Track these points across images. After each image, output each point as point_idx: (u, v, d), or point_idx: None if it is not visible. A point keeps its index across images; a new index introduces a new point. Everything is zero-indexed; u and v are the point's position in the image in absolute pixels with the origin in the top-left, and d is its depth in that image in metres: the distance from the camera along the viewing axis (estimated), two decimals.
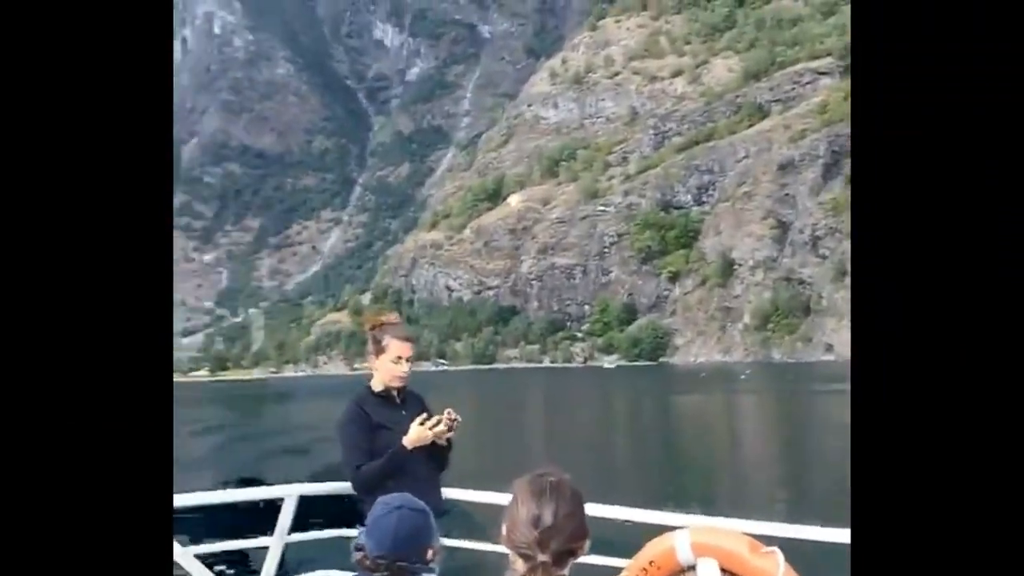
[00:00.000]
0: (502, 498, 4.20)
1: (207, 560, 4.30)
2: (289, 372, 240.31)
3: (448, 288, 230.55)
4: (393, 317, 4.26)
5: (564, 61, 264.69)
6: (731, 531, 2.90)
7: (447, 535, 4.09)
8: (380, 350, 4.09)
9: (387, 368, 4.08)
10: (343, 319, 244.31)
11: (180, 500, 4.30)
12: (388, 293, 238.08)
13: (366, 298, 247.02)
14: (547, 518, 1.86)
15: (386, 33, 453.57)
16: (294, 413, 72.01)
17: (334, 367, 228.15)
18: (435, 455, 4.10)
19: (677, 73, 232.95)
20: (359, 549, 2.07)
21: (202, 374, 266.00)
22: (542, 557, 1.85)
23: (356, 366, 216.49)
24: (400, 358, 4.07)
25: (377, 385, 4.12)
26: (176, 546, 3.83)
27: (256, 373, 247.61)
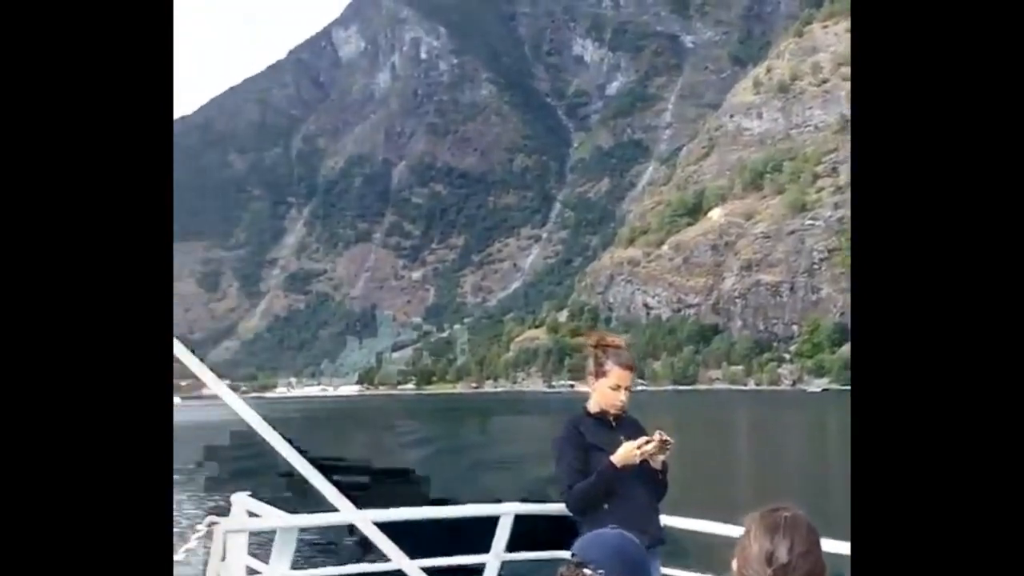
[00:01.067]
0: (722, 528, 4.07)
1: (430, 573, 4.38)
2: (489, 387, 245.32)
3: (646, 306, 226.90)
4: (619, 340, 4.16)
5: (769, 69, 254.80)
6: None
7: (666, 564, 4.07)
8: (601, 373, 4.00)
9: (605, 393, 3.99)
10: (541, 336, 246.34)
11: (401, 514, 4.49)
12: (584, 310, 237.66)
13: (563, 315, 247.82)
14: (782, 555, 1.78)
15: (586, 49, 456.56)
16: (495, 428, 72.65)
17: (531, 383, 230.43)
18: (651, 479, 3.96)
19: None
20: (579, 565, 2.01)
21: (409, 387, 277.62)
22: None
23: (553, 383, 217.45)
24: (619, 386, 3.97)
25: (593, 407, 4.03)
26: (404, 559, 3.94)
27: (459, 387, 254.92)
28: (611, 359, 3.99)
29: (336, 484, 3.36)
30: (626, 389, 3.99)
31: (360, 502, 4.14)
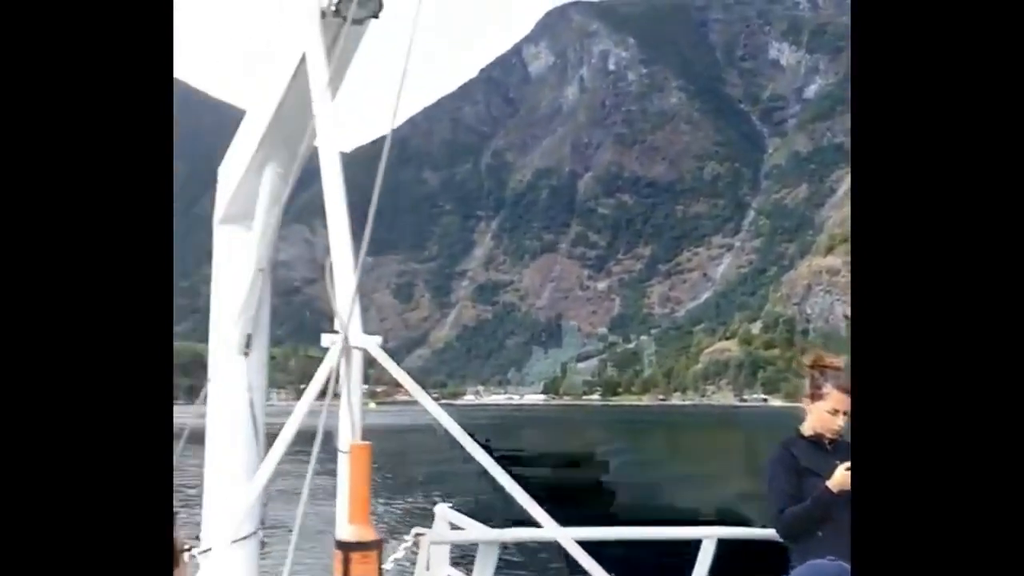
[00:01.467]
0: None
1: None
2: (676, 399, 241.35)
3: (846, 317, 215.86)
4: (839, 361, 3.94)
5: None
6: None
7: None
8: (818, 395, 3.86)
9: (821, 417, 3.85)
10: (732, 348, 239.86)
11: (603, 533, 4.39)
12: (779, 322, 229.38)
13: (756, 327, 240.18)
14: None
15: (782, 52, 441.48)
16: (684, 442, 71.56)
17: (722, 396, 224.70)
18: None
19: None
20: None
21: (594, 398, 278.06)
22: None
23: (744, 397, 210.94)
24: (837, 410, 3.82)
25: (807, 429, 3.89)
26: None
27: (645, 399, 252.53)
28: (830, 381, 3.84)
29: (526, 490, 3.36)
30: (844, 413, 3.82)
31: (549, 510, 4.10)
